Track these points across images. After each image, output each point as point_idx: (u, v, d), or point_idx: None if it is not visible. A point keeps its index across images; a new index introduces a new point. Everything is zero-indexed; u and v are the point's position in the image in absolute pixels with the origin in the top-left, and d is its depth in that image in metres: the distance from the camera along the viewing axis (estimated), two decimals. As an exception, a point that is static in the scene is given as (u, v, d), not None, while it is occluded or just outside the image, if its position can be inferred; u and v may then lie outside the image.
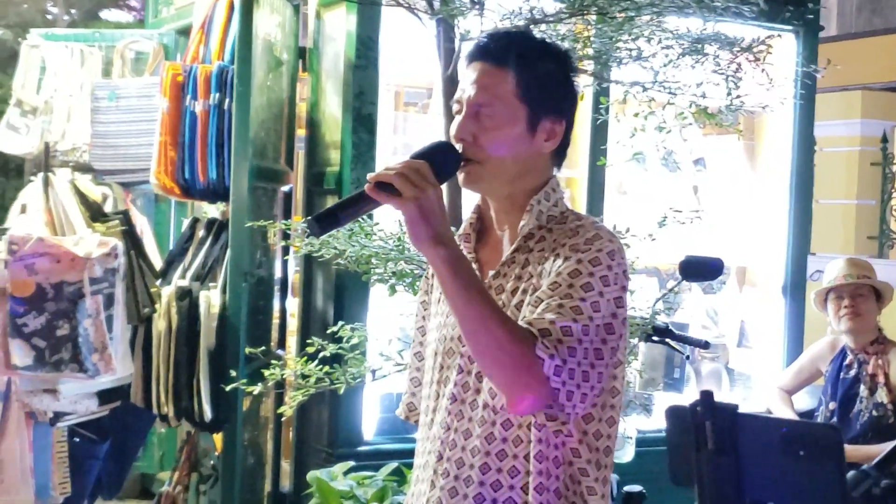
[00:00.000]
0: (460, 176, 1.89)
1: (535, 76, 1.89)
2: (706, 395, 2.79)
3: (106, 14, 8.76)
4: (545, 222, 1.91)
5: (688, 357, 3.76)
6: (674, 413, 3.14)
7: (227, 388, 3.54)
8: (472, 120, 1.88)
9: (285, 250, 4.48)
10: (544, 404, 1.74)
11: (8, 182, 7.40)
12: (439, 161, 1.77)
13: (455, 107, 1.93)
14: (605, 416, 1.86)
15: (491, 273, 1.92)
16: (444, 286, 1.74)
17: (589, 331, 1.75)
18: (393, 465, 3.49)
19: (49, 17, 7.94)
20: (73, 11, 8.19)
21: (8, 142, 5.04)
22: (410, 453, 2.09)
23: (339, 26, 4.35)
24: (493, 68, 1.89)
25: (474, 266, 1.94)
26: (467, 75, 1.92)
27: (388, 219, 3.23)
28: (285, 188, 4.71)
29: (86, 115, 4.67)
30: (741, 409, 2.87)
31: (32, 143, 4.90)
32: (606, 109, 3.54)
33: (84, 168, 4.70)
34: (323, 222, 1.75)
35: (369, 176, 1.72)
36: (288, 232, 3.64)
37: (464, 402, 1.89)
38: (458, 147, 1.88)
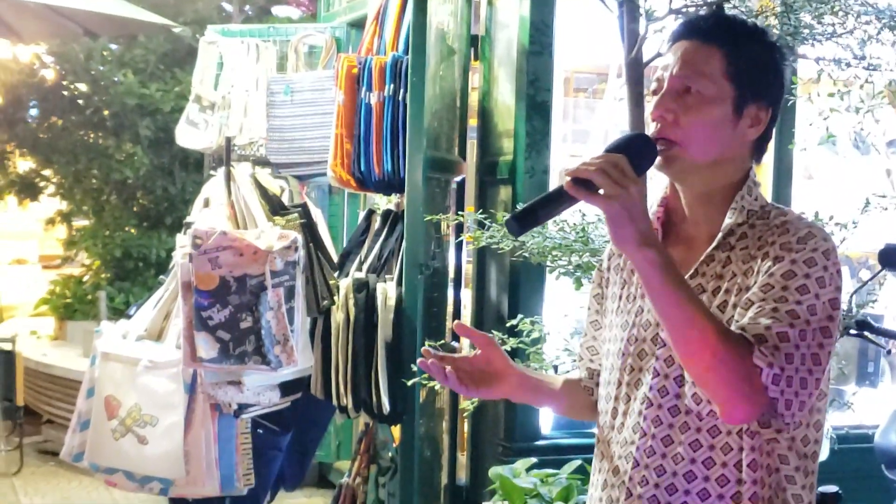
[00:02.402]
0: (657, 160, 1.75)
1: (745, 56, 1.77)
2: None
3: (277, 10, 8.94)
4: (747, 218, 1.79)
5: (889, 351, 3.52)
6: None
7: (409, 384, 3.51)
8: (674, 98, 1.76)
9: (459, 242, 4.44)
10: (760, 413, 1.65)
11: (188, 176, 7.62)
12: (636, 154, 1.64)
13: (654, 85, 1.81)
14: (812, 421, 1.76)
15: (688, 273, 1.80)
16: (650, 290, 1.63)
17: (806, 335, 1.64)
18: (576, 462, 3.39)
19: (224, 14, 8.13)
20: (247, 8, 8.38)
21: (187, 137, 5.17)
22: (588, 449, 2.01)
23: (513, 12, 4.27)
24: (701, 45, 1.78)
25: None
26: (671, 54, 1.80)
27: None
28: (458, 179, 4.66)
29: (262, 109, 4.73)
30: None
31: (211, 137, 5.01)
32: (796, 89, 3.34)
33: (262, 162, 4.77)
34: (523, 221, 1.65)
35: (566, 171, 1.61)
36: (461, 223, 3.58)
37: (661, 406, 1.79)
38: (655, 127, 1.76)
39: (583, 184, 1.59)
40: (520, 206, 1.70)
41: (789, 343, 1.63)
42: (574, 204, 1.65)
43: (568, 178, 1.60)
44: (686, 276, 1.78)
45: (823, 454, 3.65)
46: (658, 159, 1.75)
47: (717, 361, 1.61)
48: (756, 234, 1.77)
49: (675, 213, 1.87)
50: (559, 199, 1.64)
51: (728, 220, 1.79)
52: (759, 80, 1.78)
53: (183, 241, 3.54)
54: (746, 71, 1.77)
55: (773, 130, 1.83)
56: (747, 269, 1.74)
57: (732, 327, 1.67)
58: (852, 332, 3.40)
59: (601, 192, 1.59)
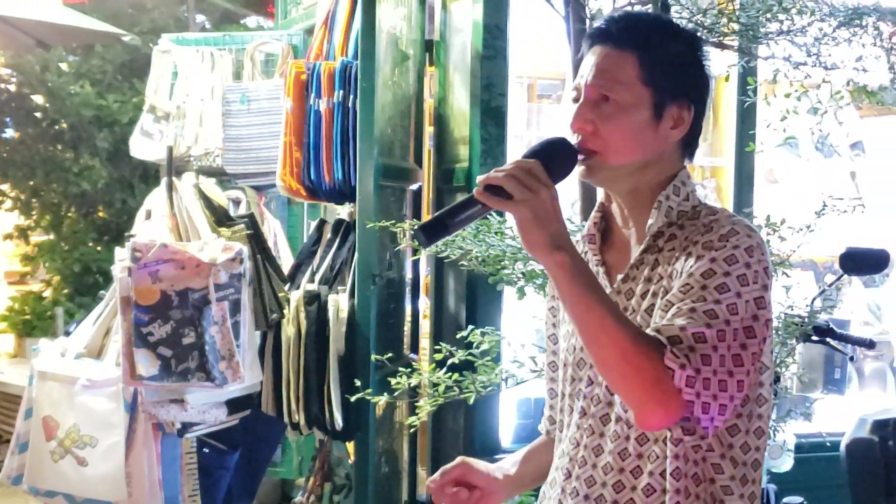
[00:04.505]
0: (579, 169, 1.73)
1: (660, 58, 1.73)
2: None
3: (250, 21, 8.82)
4: (675, 219, 1.75)
5: (852, 358, 3.45)
6: (857, 447, 2.76)
7: (353, 399, 3.40)
8: (590, 107, 1.73)
9: (415, 251, 4.34)
10: (677, 419, 1.58)
11: (147, 188, 7.44)
12: (552, 159, 1.63)
13: (573, 94, 1.78)
14: (752, 427, 1.71)
15: (619, 277, 1.77)
16: (561, 294, 1.60)
17: (725, 336, 1.58)
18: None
19: (184, 20, 8.00)
20: (202, 20, 8.25)
21: (142, 148, 5.04)
22: (550, 463, 1.96)
23: (466, 16, 4.18)
24: (613, 51, 1.74)
25: (601, 269, 1.80)
26: (586, 61, 1.77)
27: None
28: (414, 187, 4.56)
29: (218, 119, 4.62)
30: None
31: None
32: (754, 91, 3.26)
33: (217, 172, 4.65)
34: (429, 232, 1.64)
35: (478, 179, 1.59)
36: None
37: (594, 416, 1.77)
38: (576, 138, 1.72)
39: (494, 191, 1.58)
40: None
41: (706, 344, 1.57)
42: (486, 212, 1.63)
43: (478, 186, 1.59)
44: (619, 280, 1.77)
45: (787, 465, 3.58)
46: (581, 169, 1.74)
47: (627, 365, 1.56)
48: (684, 234, 1.73)
49: (611, 216, 1.85)
50: (469, 207, 1.63)
51: (650, 221, 1.75)
52: (677, 80, 1.75)
53: (122, 255, 3.41)
54: (663, 73, 1.73)
55: (702, 127, 1.80)
56: (672, 270, 1.70)
57: (648, 330, 1.62)
58: (814, 339, 3.33)
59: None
